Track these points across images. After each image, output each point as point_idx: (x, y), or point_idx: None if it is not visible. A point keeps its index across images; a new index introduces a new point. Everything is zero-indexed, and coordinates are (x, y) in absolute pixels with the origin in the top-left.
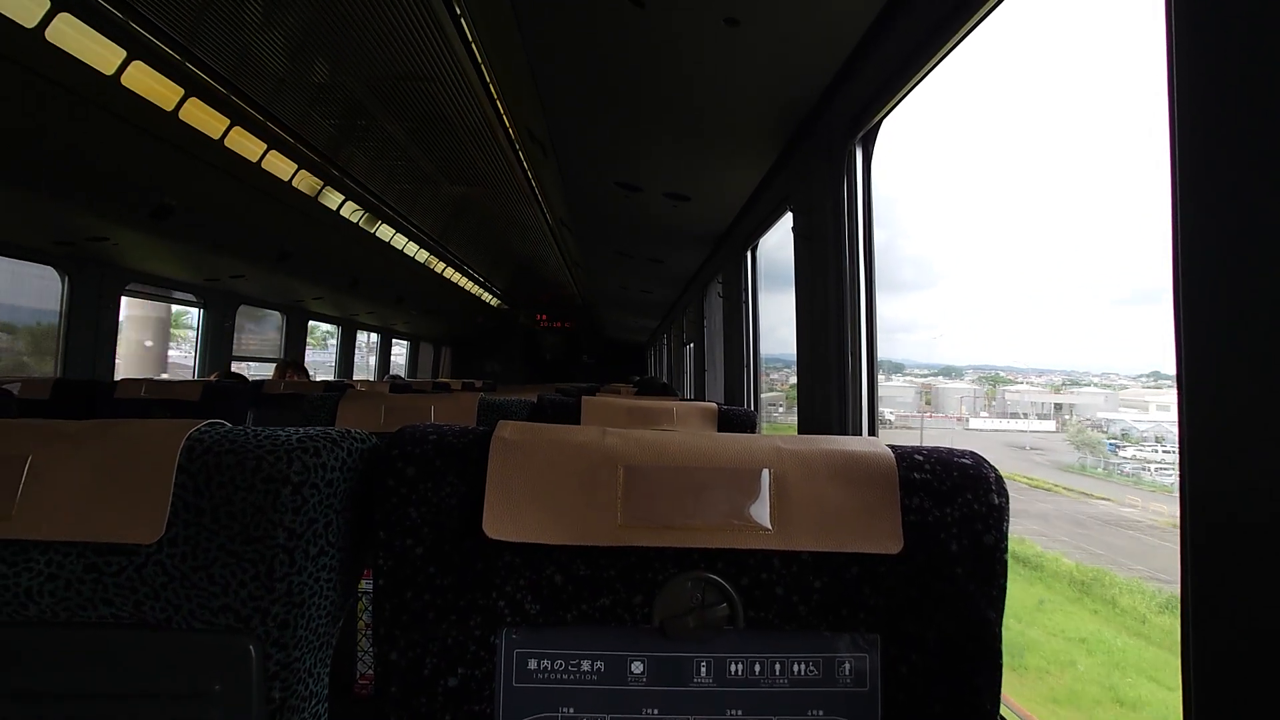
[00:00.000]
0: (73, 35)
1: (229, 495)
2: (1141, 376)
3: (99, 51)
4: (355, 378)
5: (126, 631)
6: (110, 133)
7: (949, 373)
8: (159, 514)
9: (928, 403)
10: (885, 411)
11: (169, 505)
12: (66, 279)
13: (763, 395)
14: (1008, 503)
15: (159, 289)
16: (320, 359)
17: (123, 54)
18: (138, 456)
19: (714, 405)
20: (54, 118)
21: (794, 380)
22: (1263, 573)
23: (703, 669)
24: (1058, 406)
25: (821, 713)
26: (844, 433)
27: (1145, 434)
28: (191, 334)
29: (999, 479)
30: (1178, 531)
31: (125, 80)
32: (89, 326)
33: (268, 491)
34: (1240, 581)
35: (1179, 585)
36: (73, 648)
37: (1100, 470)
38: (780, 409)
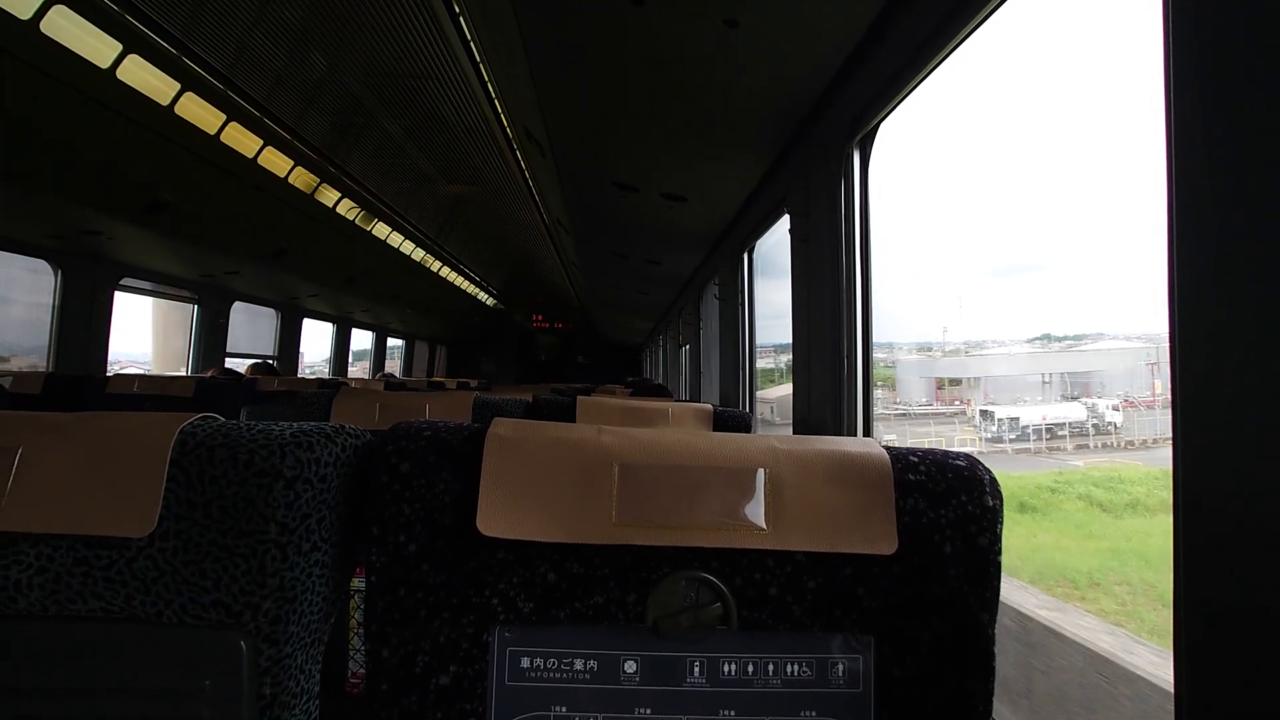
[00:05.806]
0: (68, 28)
1: (221, 489)
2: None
3: (94, 44)
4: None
5: (116, 626)
6: (105, 126)
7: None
8: (151, 507)
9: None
10: (1104, 407)
11: (161, 499)
12: (60, 272)
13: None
14: (1002, 505)
15: (153, 284)
16: None
17: (118, 47)
18: (130, 449)
19: (709, 406)
20: (48, 111)
21: None
22: (1257, 569)
23: (696, 669)
24: None
25: (814, 714)
26: (839, 434)
27: None
28: None
29: (993, 481)
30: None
31: (120, 74)
32: (82, 321)
33: (261, 486)
34: (1234, 577)
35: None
36: (62, 642)
37: None
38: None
